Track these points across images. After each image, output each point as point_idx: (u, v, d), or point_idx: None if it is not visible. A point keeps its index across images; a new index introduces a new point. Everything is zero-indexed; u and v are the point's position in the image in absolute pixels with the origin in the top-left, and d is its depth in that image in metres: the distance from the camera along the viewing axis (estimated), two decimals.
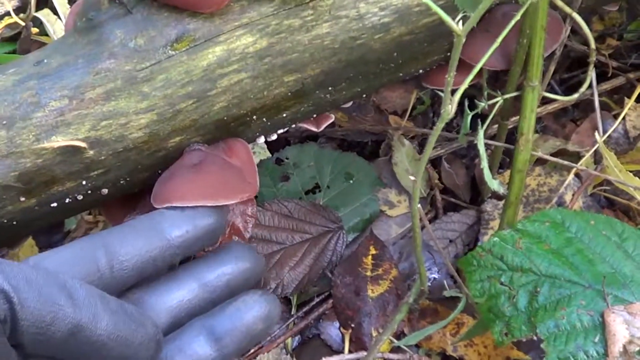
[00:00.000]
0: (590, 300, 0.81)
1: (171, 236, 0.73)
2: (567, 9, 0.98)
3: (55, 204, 0.84)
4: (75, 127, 0.79)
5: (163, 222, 0.74)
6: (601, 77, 1.45)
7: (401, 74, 0.98)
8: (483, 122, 1.02)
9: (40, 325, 0.55)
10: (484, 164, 0.97)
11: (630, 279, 0.82)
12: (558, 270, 0.84)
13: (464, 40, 0.68)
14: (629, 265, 0.83)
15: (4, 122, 0.78)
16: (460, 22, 0.68)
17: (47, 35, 1.38)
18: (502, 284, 0.86)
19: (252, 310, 0.74)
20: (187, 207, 0.76)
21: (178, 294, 0.76)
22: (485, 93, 1.08)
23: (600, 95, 1.40)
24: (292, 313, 1.23)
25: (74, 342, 0.58)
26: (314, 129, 0.99)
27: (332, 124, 1.42)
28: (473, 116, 1.03)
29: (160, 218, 0.75)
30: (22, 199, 0.81)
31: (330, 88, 0.91)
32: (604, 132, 1.34)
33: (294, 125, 0.96)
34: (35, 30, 1.39)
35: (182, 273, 0.78)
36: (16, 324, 0.54)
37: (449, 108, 0.74)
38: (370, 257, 1.23)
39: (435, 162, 1.42)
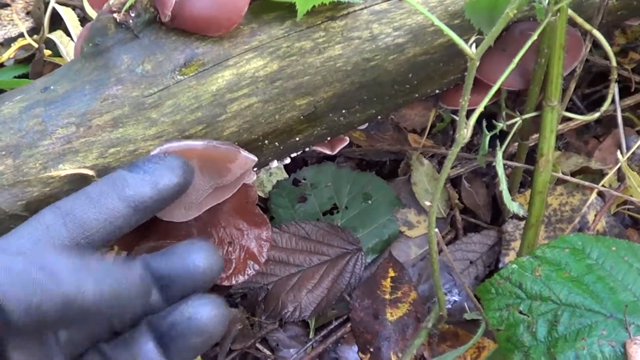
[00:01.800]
0: (611, 330, 0.79)
1: (134, 203, 0.70)
2: (587, 26, 0.96)
3: None
4: (83, 154, 0.78)
5: (125, 189, 0.70)
6: (624, 92, 1.42)
7: (417, 95, 0.96)
8: (503, 141, 1.00)
9: (30, 311, 0.54)
10: (503, 186, 0.95)
11: None
12: (578, 298, 0.82)
13: (477, 63, 0.66)
14: None
15: (11, 150, 0.76)
16: (474, 45, 0.66)
17: (60, 56, 1.37)
18: (520, 312, 0.84)
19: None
20: (149, 165, 0.73)
21: None
22: (504, 113, 1.06)
23: (623, 110, 1.38)
24: (310, 337, 1.22)
25: (67, 314, 0.57)
26: (328, 152, 0.98)
27: (350, 144, 1.40)
28: (492, 135, 1.01)
29: (121, 184, 0.71)
30: None
31: (343, 111, 0.90)
32: (628, 148, 1.32)
33: (307, 149, 0.95)
34: (48, 52, 1.38)
35: None
36: (7, 315, 0.53)
37: (464, 132, 0.73)
38: (389, 279, 1.21)
39: (455, 181, 1.40)
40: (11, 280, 0.54)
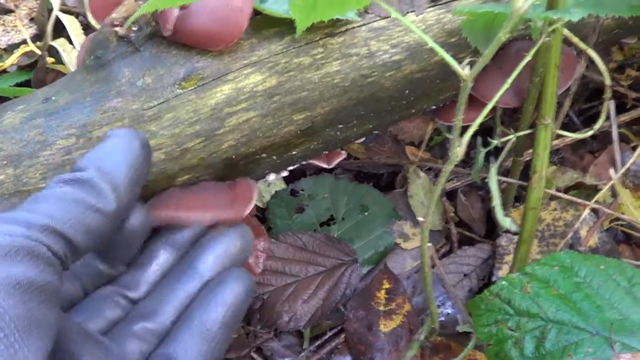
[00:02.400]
0: (597, 348, 0.80)
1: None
2: (583, 45, 0.97)
3: None
4: None
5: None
6: (620, 108, 1.43)
7: (413, 111, 0.97)
8: (497, 156, 1.01)
9: (92, 234, 0.67)
10: (497, 203, 0.96)
11: (638, 326, 0.80)
12: (566, 316, 0.83)
13: (471, 85, 0.67)
14: (638, 312, 0.81)
15: (12, 160, 0.78)
16: (468, 67, 0.67)
17: (62, 64, 1.38)
18: (509, 328, 0.85)
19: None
20: None
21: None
22: (499, 130, 1.07)
23: (619, 126, 1.39)
24: (305, 347, 1.23)
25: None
26: (325, 165, 0.99)
27: (348, 156, 1.41)
28: (488, 150, 1.02)
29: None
30: None
31: (340, 126, 0.91)
32: (623, 164, 1.33)
33: (304, 162, 0.96)
34: (51, 60, 1.39)
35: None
36: (75, 248, 0.65)
37: (458, 151, 0.74)
38: (383, 291, 1.22)
39: (451, 194, 1.41)
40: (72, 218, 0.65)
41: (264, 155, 0.88)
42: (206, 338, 0.74)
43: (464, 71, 0.67)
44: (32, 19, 1.49)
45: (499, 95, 0.75)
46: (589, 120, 1.51)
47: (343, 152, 1.00)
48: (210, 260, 0.80)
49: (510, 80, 0.74)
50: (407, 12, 0.90)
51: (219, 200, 0.84)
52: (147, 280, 0.81)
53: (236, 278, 0.77)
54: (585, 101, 1.54)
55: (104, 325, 0.76)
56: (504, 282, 0.88)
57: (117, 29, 0.80)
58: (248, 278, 0.78)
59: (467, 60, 0.68)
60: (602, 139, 1.47)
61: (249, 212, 0.83)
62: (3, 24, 1.47)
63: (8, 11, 1.52)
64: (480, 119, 0.75)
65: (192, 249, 0.82)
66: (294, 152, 0.91)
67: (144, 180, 0.76)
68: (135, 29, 0.81)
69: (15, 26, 1.48)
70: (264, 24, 0.86)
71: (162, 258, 0.82)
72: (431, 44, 0.66)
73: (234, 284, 0.76)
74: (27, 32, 1.46)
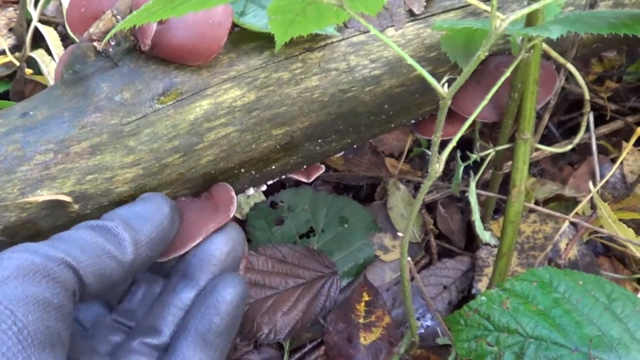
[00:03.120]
0: None
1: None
2: (561, 60, 0.98)
3: None
4: (61, 181, 0.78)
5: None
6: (599, 120, 1.43)
7: (393, 125, 0.97)
8: (477, 170, 1.01)
9: (103, 280, 0.70)
10: (476, 217, 0.96)
11: (617, 342, 0.80)
12: (545, 331, 0.83)
13: (449, 102, 0.67)
14: (617, 327, 0.81)
15: None
16: (446, 84, 0.67)
17: (41, 75, 1.38)
18: (488, 344, 0.85)
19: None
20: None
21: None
22: (478, 144, 1.07)
23: (598, 138, 1.40)
24: (284, 359, 1.22)
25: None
26: (304, 180, 0.98)
27: (328, 168, 1.41)
28: (467, 164, 1.03)
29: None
30: None
31: (319, 140, 0.91)
32: (602, 176, 1.33)
33: (283, 176, 0.96)
34: (29, 71, 1.38)
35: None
36: (84, 288, 0.68)
37: (437, 167, 0.74)
38: (363, 303, 1.22)
39: (430, 206, 1.41)
40: (86, 256, 0.68)
41: (242, 170, 0.88)
42: (205, 349, 0.76)
43: (442, 88, 0.67)
44: (10, 29, 1.48)
45: (478, 110, 0.75)
46: (569, 131, 1.52)
47: (322, 166, 1.00)
48: (202, 267, 0.81)
49: (489, 96, 0.74)
50: (386, 27, 0.90)
51: (204, 214, 0.84)
52: (143, 308, 0.84)
53: (228, 285, 0.77)
54: (565, 112, 1.55)
55: (109, 349, 0.80)
56: (483, 298, 0.88)
57: (95, 43, 0.80)
58: (240, 282, 0.78)
59: (446, 77, 0.68)
60: (582, 151, 1.48)
61: (235, 210, 0.83)
62: None
63: None
64: (459, 135, 0.75)
65: (182, 258, 0.82)
66: (273, 167, 0.91)
67: (167, 243, 0.79)
68: (113, 43, 0.80)
69: None
70: (243, 39, 0.86)
71: (158, 288, 0.86)
72: (410, 61, 0.66)
73: (226, 291, 0.77)
74: (6, 43, 1.45)
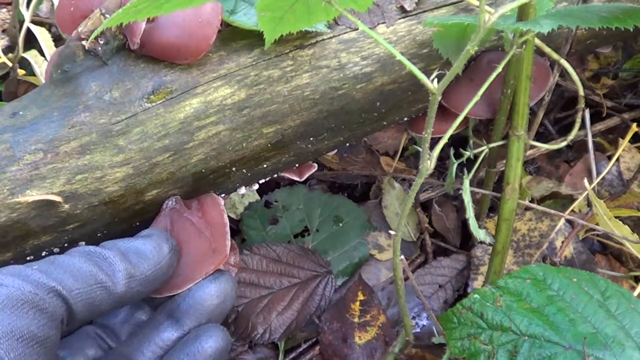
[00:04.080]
0: None
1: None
2: (555, 56, 0.97)
3: (31, 257, 0.82)
4: (50, 180, 0.78)
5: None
6: (595, 117, 1.43)
7: (385, 123, 0.97)
8: (471, 167, 1.01)
9: (90, 307, 0.70)
10: (470, 214, 0.96)
11: (612, 340, 0.80)
12: (538, 329, 0.82)
13: (439, 98, 0.67)
14: (611, 325, 0.81)
15: None
16: (436, 80, 0.67)
17: (34, 75, 1.37)
18: (482, 342, 0.85)
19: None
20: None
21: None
22: (471, 142, 1.06)
23: (594, 135, 1.39)
24: (280, 359, 1.22)
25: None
26: (296, 178, 0.98)
27: (322, 167, 1.41)
28: (461, 162, 1.02)
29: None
30: None
31: (311, 138, 0.90)
32: (598, 174, 1.33)
33: (275, 175, 0.95)
34: (22, 72, 1.38)
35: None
36: (72, 316, 0.69)
37: (428, 163, 0.73)
38: (358, 303, 1.21)
39: (426, 204, 1.41)
40: (76, 283, 0.68)
41: (234, 169, 0.87)
42: None
43: (432, 84, 0.66)
44: (3, 31, 1.48)
45: (470, 106, 0.74)
46: (565, 129, 1.51)
47: (314, 164, 1.00)
48: (189, 314, 0.80)
49: (481, 92, 0.73)
50: (378, 24, 0.89)
51: (201, 250, 0.83)
52: (127, 330, 0.85)
53: (212, 337, 0.78)
54: (561, 110, 1.54)
55: None
56: (476, 296, 0.88)
57: (83, 42, 0.79)
58: (224, 336, 0.79)
59: (436, 72, 0.68)
60: (578, 148, 1.47)
61: (229, 245, 0.83)
62: None
63: None
64: (450, 132, 0.75)
65: (172, 297, 0.82)
66: (264, 165, 0.90)
67: (161, 282, 0.79)
68: (102, 42, 0.80)
69: None
70: (233, 37, 0.86)
71: (142, 315, 0.87)
72: (399, 57, 0.65)
73: (209, 344, 0.77)
74: None
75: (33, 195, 0.77)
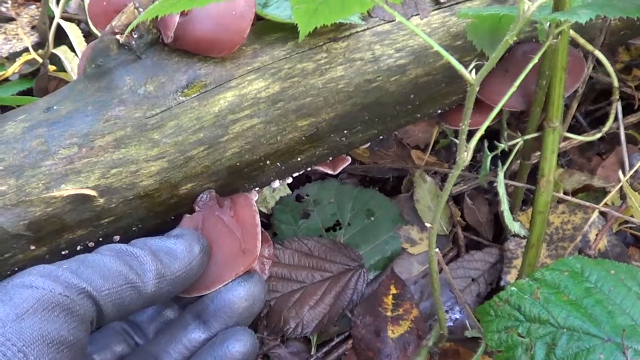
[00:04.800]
0: (609, 354, 0.79)
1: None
2: (589, 47, 0.96)
3: (66, 252, 0.82)
4: (85, 175, 0.78)
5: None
6: (627, 110, 1.41)
7: (419, 115, 0.96)
8: (505, 160, 1.00)
9: (121, 309, 0.70)
10: (505, 207, 0.95)
11: None
12: (577, 322, 0.82)
13: (477, 89, 0.66)
14: None
15: (14, 170, 0.77)
16: (474, 70, 0.66)
17: (65, 71, 1.37)
18: (519, 335, 0.84)
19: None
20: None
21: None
22: (505, 134, 1.06)
23: (626, 128, 1.38)
24: (312, 353, 1.22)
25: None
26: (330, 172, 0.98)
27: (353, 160, 1.40)
28: (495, 154, 1.02)
29: None
30: (32, 247, 0.79)
31: (345, 131, 0.90)
32: (631, 166, 1.31)
33: (309, 169, 0.95)
34: (52, 67, 1.38)
35: None
36: (102, 317, 0.69)
37: (465, 155, 0.73)
38: (390, 296, 1.21)
39: (457, 198, 1.40)
40: (106, 283, 0.69)
41: (268, 162, 0.87)
42: None
43: (470, 75, 0.66)
44: (33, 27, 1.48)
45: (505, 98, 0.74)
46: (596, 121, 1.50)
47: (348, 157, 0.99)
48: (217, 316, 0.80)
49: (517, 84, 0.73)
50: (412, 16, 0.89)
51: (231, 250, 0.83)
52: (154, 327, 0.85)
53: (239, 340, 0.78)
54: (592, 102, 1.53)
55: (112, 359, 0.81)
56: (513, 288, 0.87)
57: (117, 36, 0.80)
58: (251, 339, 0.79)
59: (473, 64, 0.67)
60: (610, 141, 1.46)
61: (259, 247, 0.83)
62: (4, 33, 1.46)
63: (9, 19, 1.51)
64: (487, 124, 0.74)
65: (200, 298, 0.82)
66: (298, 159, 0.90)
67: (190, 282, 0.78)
68: (136, 36, 0.80)
69: (17, 34, 1.47)
70: (266, 30, 0.86)
71: (170, 313, 0.87)
72: (437, 47, 0.65)
73: (236, 348, 0.77)
74: (29, 40, 1.45)
75: (68, 190, 0.77)
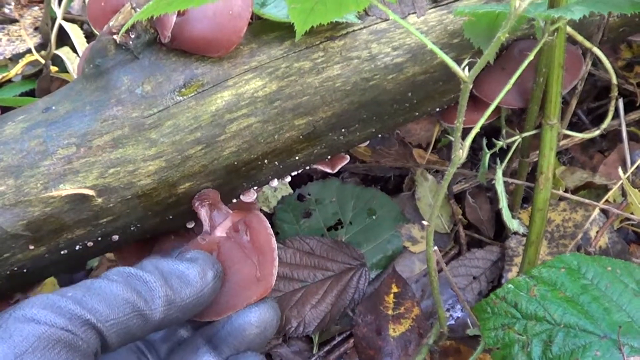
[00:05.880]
0: (605, 351, 0.79)
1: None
2: (587, 44, 0.96)
3: (65, 251, 0.82)
4: (83, 175, 0.78)
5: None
6: (629, 106, 1.41)
7: (417, 113, 0.96)
8: (504, 158, 1.00)
9: (127, 337, 0.69)
10: (503, 204, 0.96)
11: None
12: (573, 319, 0.82)
13: (470, 86, 0.67)
14: None
15: (12, 170, 0.77)
16: (467, 68, 0.66)
17: (67, 72, 1.38)
18: (516, 332, 0.84)
19: None
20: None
21: None
22: (504, 131, 1.06)
23: (628, 125, 1.38)
24: (314, 352, 1.22)
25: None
26: (329, 170, 0.98)
27: (355, 159, 1.40)
28: (494, 152, 1.02)
29: None
30: (31, 247, 0.80)
31: (343, 130, 0.90)
32: (632, 163, 1.32)
33: (308, 168, 0.95)
34: (55, 68, 1.39)
35: None
36: (106, 346, 0.67)
37: (460, 153, 0.73)
38: (392, 295, 1.21)
39: (459, 196, 1.40)
40: (109, 311, 0.67)
41: (266, 161, 0.87)
42: None
43: (464, 72, 0.66)
44: (36, 28, 1.49)
45: (501, 96, 0.74)
46: (598, 119, 1.50)
47: (347, 156, 0.99)
48: (229, 342, 0.79)
49: (512, 81, 0.73)
50: (408, 14, 0.89)
51: (246, 276, 0.82)
52: (167, 347, 0.84)
53: None
54: (594, 99, 1.53)
55: None
56: (510, 285, 0.87)
57: (115, 36, 0.80)
58: None
59: (466, 61, 0.67)
60: (612, 138, 1.46)
61: (276, 274, 0.82)
62: (8, 34, 1.47)
63: (13, 21, 1.51)
64: (482, 121, 0.74)
65: (212, 322, 0.81)
66: (296, 158, 0.90)
67: (201, 309, 0.77)
68: (133, 36, 0.80)
69: (20, 36, 1.47)
70: (263, 29, 0.86)
71: (183, 332, 0.85)
72: (430, 45, 0.65)
73: None
74: (32, 42, 1.46)
75: (66, 190, 0.78)
